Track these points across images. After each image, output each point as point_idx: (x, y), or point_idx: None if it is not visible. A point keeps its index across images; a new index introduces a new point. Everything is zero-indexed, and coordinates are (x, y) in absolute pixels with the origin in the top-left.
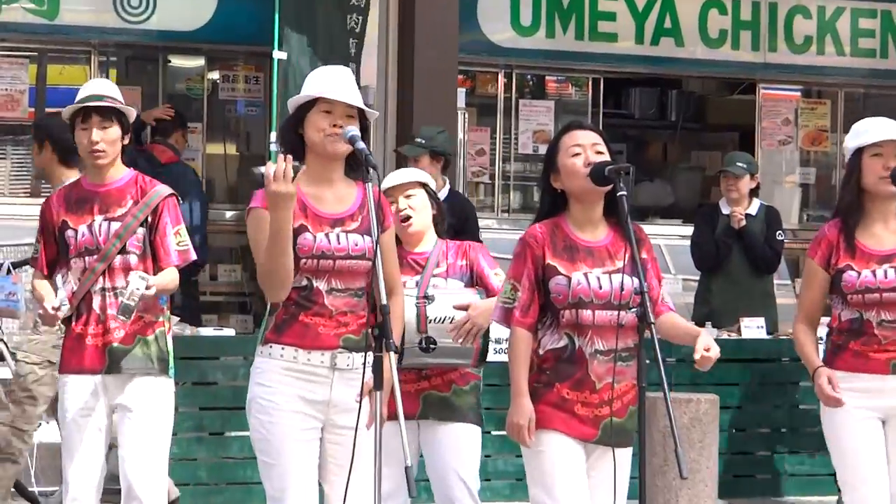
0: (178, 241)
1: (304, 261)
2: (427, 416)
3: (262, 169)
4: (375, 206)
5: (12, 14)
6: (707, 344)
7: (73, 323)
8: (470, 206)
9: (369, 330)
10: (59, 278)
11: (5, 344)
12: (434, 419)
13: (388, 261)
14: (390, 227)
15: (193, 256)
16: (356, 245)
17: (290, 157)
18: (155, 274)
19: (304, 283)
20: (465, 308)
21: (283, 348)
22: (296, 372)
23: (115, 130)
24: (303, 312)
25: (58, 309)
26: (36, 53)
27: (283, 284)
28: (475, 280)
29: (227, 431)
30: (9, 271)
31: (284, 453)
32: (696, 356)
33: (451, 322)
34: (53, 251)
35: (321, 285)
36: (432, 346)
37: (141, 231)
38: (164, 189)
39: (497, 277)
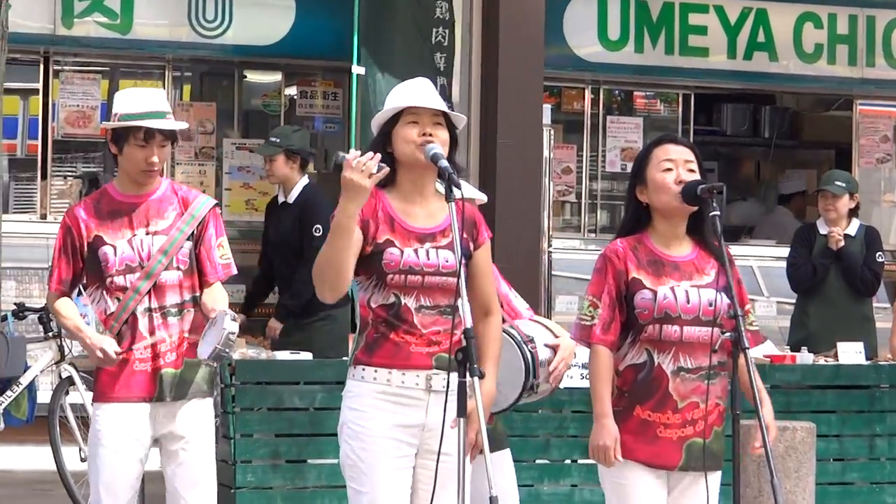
0: (220, 253)
1: (390, 276)
2: None
3: (345, 155)
4: (468, 223)
5: (85, 28)
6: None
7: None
8: (319, 199)
9: (452, 355)
10: (81, 300)
11: (75, 367)
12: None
13: (484, 278)
14: (485, 242)
15: (234, 270)
16: (447, 261)
17: (378, 155)
18: (201, 288)
19: (392, 299)
20: (554, 347)
21: (375, 371)
22: (390, 395)
23: (169, 148)
24: (392, 331)
25: (120, 354)
26: (108, 69)
27: (332, 285)
28: None
29: (304, 459)
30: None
31: (376, 481)
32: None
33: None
34: (78, 268)
35: (409, 302)
36: (536, 390)
37: (187, 245)
38: (208, 198)
39: None
